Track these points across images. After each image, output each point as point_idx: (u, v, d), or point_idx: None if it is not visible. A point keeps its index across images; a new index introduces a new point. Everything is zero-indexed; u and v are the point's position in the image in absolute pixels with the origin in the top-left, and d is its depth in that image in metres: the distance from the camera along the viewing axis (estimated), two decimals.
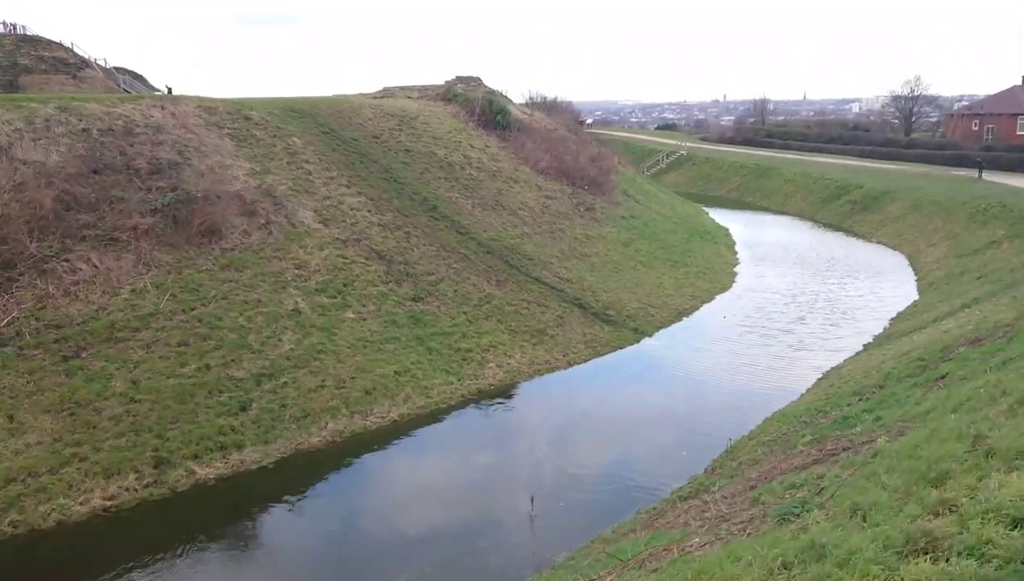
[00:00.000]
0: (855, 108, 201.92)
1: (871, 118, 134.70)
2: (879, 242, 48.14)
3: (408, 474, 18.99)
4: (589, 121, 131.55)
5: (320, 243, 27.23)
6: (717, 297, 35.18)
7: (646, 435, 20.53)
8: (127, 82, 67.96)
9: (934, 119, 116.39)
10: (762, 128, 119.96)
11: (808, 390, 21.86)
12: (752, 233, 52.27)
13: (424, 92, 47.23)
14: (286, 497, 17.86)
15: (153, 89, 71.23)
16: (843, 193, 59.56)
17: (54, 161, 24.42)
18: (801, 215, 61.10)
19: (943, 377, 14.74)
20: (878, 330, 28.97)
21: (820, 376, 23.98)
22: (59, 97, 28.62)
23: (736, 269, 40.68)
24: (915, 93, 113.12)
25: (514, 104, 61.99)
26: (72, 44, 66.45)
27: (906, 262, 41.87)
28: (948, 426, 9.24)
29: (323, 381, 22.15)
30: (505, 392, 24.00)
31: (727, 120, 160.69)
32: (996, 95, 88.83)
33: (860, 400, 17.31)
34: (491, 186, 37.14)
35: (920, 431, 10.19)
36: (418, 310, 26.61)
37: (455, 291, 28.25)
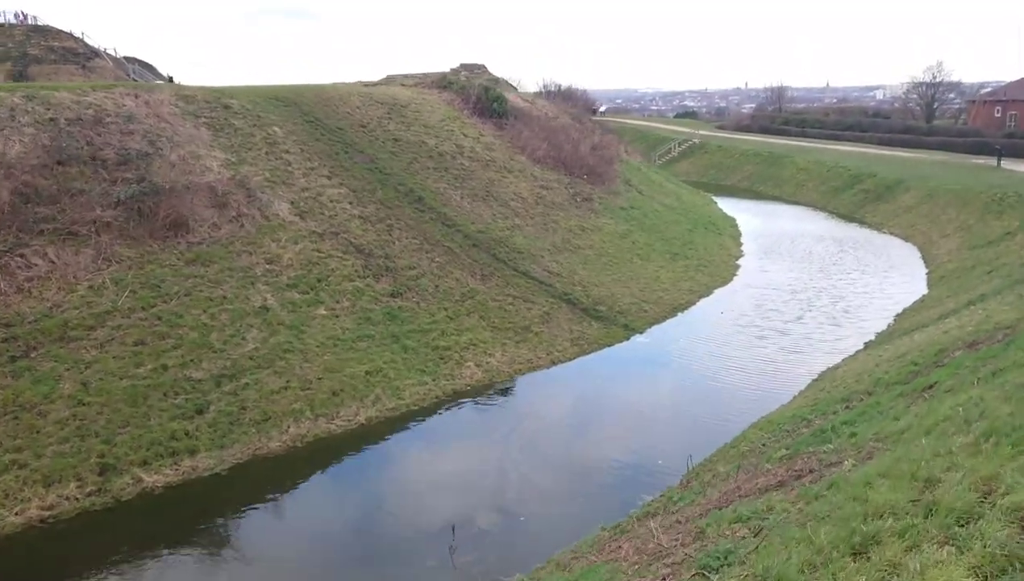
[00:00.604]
0: (879, 95, 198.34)
1: (894, 105, 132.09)
2: (891, 233, 46.48)
3: (360, 487, 17.97)
4: (602, 109, 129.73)
5: (295, 236, 26.21)
6: (716, 291, 33.84)
7: (623, 441, 19.34)
8: (137, 72, 67.58)
9: (957, 106, 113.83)
10: (779, 115, 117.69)
11: (800, 393, 20.57)
12: (760, 224, 50.71)
13: (422, 80, 46.05)
14: (237, 507, 16.90)
15: (163, 79, 70.93)
16: (856, 182, 57.78)
17: (16, 152, 23.53)
18: (813, 205, 59.40)
19: (931, 386, 13.46)
20: (882, 326, 27.56)
21: (815, 377, 22.67)
22: (26, 86, 27.74)
23: (739, 262, 39.27)
24: (937, 80, 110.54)
25: (518, 92, 60.74)
26: (83, 34, 66.44)
27: (918, 254, 40.27)
28: (911, 456, 8.11)
29: (288, 382, 21.15)
30: (482, 393, 22.89)
31: (748, 108, 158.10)
32: (1020, 81, 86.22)
33: (846, 408, 16.07)
34: (483, 176, 35.95)
35: (885, 459, 9.05)
36: (396, 306, 25.53)
37: (437, 286, 27.15)
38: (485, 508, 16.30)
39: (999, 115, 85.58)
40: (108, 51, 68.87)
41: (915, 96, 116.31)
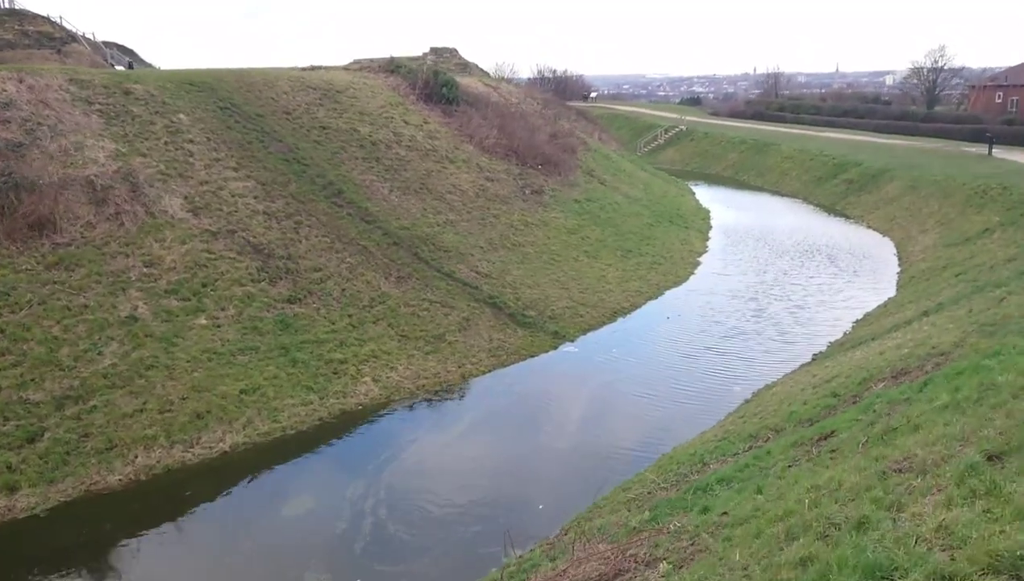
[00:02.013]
0: (889, 80, 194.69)
1: (896, 91, 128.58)
2: (870, 226, 43.74)
3: (195, 534, 15.47)
4: (593, 95, 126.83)
5: (183, 235, 23.68)
6: (668, 292, 31.23)
7: (503, 481, 16.85)
8: (115, 57, 65.19)
9: (960, 92, 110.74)
10: (773, 101, 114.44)
11: (719, 422, 18.00)
12: (734, 216, 47.94)
13: (370, 64, 43.32)
14: (42, 558, 14.47)
15: (145, 64, 69.03)
16: (840, 171, 54.93)
17: None
18: (795, 195, 56.61)
19: (828, 436, 10.95)
20: (838, 335, 24.97)
21: (748, 398, 20.13)
22: None
23: (700, 258, 36.60)
24: (939, 64, 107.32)
25: (486, 77, 58.05)
26: (60, 18, 64.32)
27: (894, 251, 37.52)
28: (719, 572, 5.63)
29: (144, 403, 18.68)
30: (374, 413, 20.41)
31: (755, 93, 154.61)
32: (1021, 65, 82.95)
33: (748, 449, 13.59)
34: (419, 167, 33.33)
35: (697, 570, 6.60)
36: (291, 313, 23.02)
37: (343, 290, 24.63)
38: (322, 564, 13.83)
39: (1000, 100, 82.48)
40: (86, 36, 66.75)
41: (915, 81, 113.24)
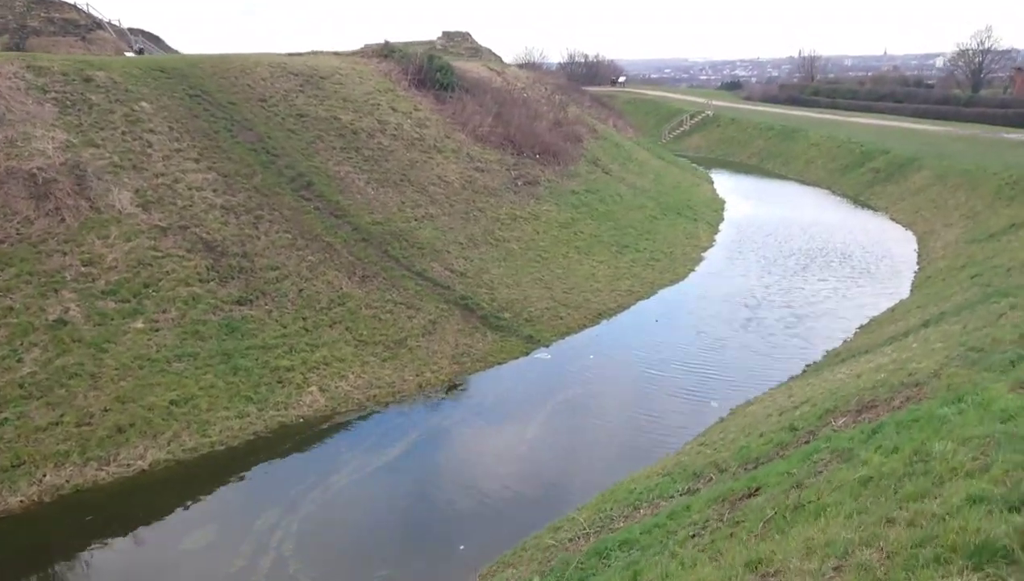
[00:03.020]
0: (939, 63, 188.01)
1: (942, 74, 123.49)
2: (894, 219, 41.04)
3: (79, 571, 14.04)
4: (622, 79, 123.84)
5: (130, 232, 22.30)
6: (661, 292, 29.20)
7: (436, 515, 15.15)
8: (141, 44, 64.80)
9: (1008, 75, 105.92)
10: (808, 85, 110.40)
11: (679, 449, 16.09)
12: (750, 208, 45.50)
13: (365, 50, 41.67)
14: None
15: (170, 51, 68.97)
16: (867, 160, 51.99)
17: None
18: (819, 184, 53.85)
19: (752, 494, 9.12)
20: (835, 345, 22.82)
21: (723, 417, 18.18)
22: None
23: (705, 254, 34.42)
24: (985, 46, 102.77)
25: (498, 61, 56.13)
26: (88, 5, 64.42)
27: (915, 247, 34.92)
28: None
29: (62, 415, 17.34)
30: (314, 427, 18.86)
31: (797, 77, 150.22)
32: None
33: (684, 493, 11.81)
34: (403, 157, 31.64)
35: None
36: (239, 316, 21.55)
37: (299, 291, 23.09)
38: None
39: None
40: (112, 22, 66.60)
41: (960, 64, 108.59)
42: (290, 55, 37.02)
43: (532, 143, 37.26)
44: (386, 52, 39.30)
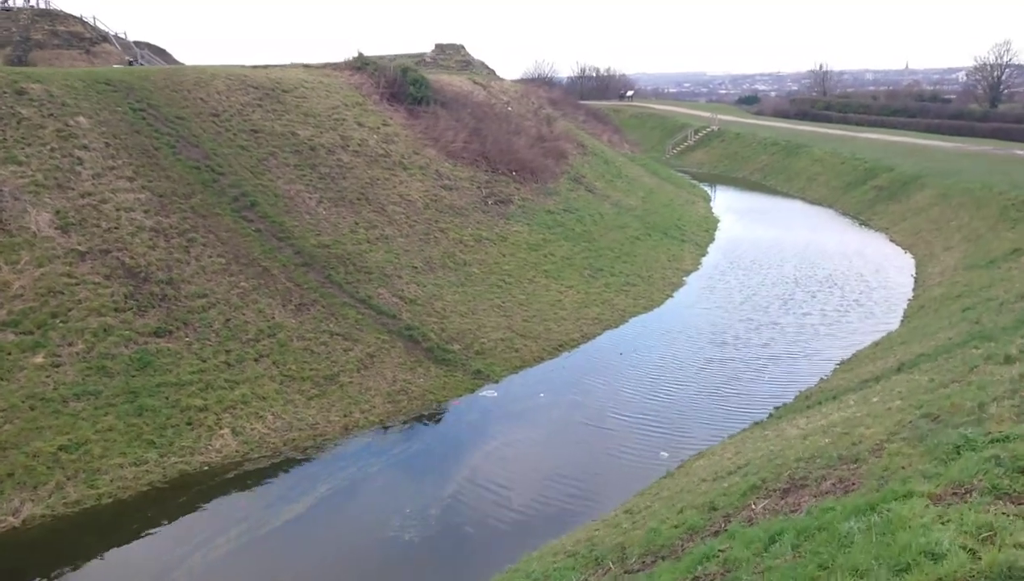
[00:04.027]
0: (961, 77, 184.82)
1: (960, 88, 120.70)
2: (894, 240, 38.80)
3: None
4: (630, 93, 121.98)
5: (43, 257, 20.65)
6: (633, 320, 27.23)
7: None
8: (146, 56, 64.15)
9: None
10: (820, 100, 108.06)
11: (603, 517, 14.11)
12: (744, 228, 43.39)
13: (338, 64, 40.09)
14: None
15: (175, 64, 68.49)
16: (870, 177, 49.77)
17: None
18: (821, 202, 51.65)
19: None
20: (811, 382, 20.75)
21: (671, 470, 16.19)
22: None
23: (686, 279, 32.38)
24: (1003, 60, 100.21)
25: (483, 75, 54.52)
26: (94, 18, 64.16)
27: (913, 271, 32.69)
28: None
29: None
30: (218, 476, 17.03)
31: (815, 92, 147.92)
32: None
33: None
34: (363, 175, 29.92)
35: None
36: (155, 349, 19.80)
37: (227, 321, 21.33)
38: None
39: None
40: (118, 35, 66.18)
41: (979, 78, 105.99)
42: (254, 68, 35.49)
43: (508, 159, 35.47)
44: (359, 64, 37.71)
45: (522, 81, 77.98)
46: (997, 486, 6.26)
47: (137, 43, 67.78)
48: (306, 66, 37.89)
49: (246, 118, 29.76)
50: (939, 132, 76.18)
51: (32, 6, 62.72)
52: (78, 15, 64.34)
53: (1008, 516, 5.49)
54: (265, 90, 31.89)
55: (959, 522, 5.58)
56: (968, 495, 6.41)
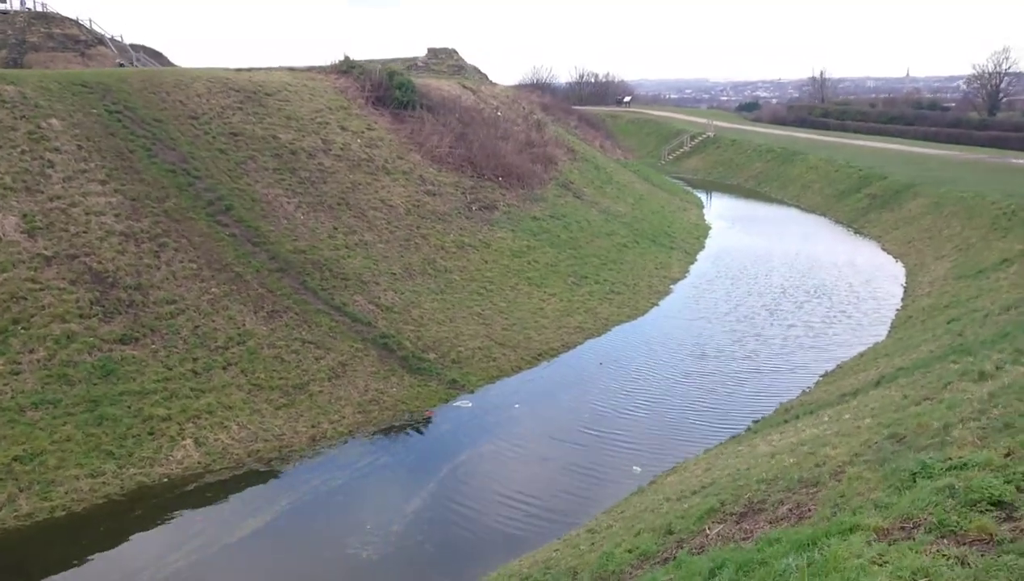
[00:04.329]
0: (963, 85, 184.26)
1: (959, 96, 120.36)
2: (886, 249, 38.35)
3: None
4: (627, 99, 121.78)
5: (7, 261, 20.18)
6: (615, 329, 26.77)
7: None
8: (142, 60, 63.95)
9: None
10: (817, 107, 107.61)
11: (562, 538, 13.63)
12: (735, 235, 42.96)
13: (323, 68, 39.68)
14: None
15: (171, 67, 68.47)
16: (864, 185, 49.33)
17: None
18: (815, 209, 51.22)
19: None
20: (793, 394, 20.26)
21: (642, 486, 15.70)
22: None
23: (673, 287, 31.92)
24: (1002, 68, 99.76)
25: (474, 79, 54.12)
26: (90, 21, 64.06)
27: (903, 281, 32.21)
28: None
29: None
30: (176, 489, 16.54)
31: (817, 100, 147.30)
32: None
33: None
34: (344, 179, 29.48)
35: None
36: (119, 357, 19.32)
37: (195, 328, 20.85)
38: None
39: None
40: (114, 38, 66.03)
41: (977, 86, 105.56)
42: (238, 70, 35.07)
43: (495, 165, 35.04)
44: (345, 68, 37.30)
45: (519, 86, 77.63)
46: (944, 522, 5.80)
47: (133, 46, 67.55)
48: (291, 69, 37.48)
49: (226, 121, 29.32)
50: (937, 140, 75.81)
51: (28, 9, 62.64)
52: (74, 18, 64.24)
53: (947, 559, 5.02)
54: (247, 93, 31.46)
55: (895, 565, 5.11)
56: (914, 530, 5.95)
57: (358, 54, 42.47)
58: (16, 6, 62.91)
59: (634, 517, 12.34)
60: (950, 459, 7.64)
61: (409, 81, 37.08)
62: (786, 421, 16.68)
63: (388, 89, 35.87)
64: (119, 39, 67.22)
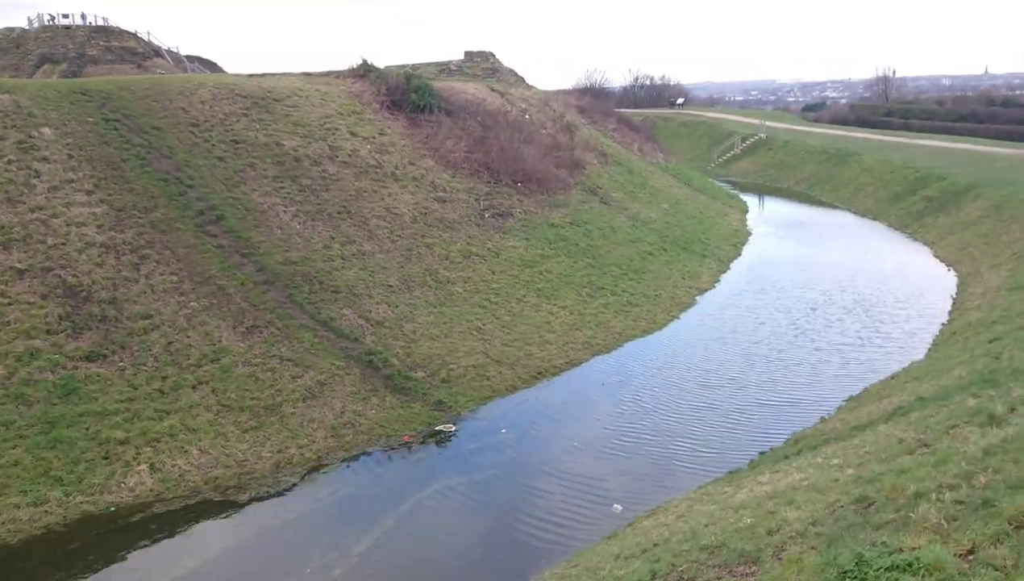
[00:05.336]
0: None
1: None
2: (938, 256, 35.47)
3: None
4: (680, 101, 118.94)
5: None
6: (627, 345, 24.98)
7: None
8: (196, 69, 65.02)
9: None
10: (880, 106, 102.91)
11: None
12: (776, 242, 40.52)
13: (342, 73, 38.74)
14: None
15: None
16: (920, 187, 46.17)
17: None
18: (867, 213, 48.22)
19: None
20: (806, 423, 18.18)
21: (619, 529, 13.97)
22: None
23: (698, 298, 29.86)
24: None
25: (523, 82, 52.80)
26: (148, 34, 65.68)
27: (954, 292, 29.48)
28: None
29: None
30: (120, 520, 15.46)
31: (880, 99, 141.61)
32: None
33: None
34: (349, 187, 28.35)
35: None
36: (83, 375, 18.43)
37: (169, 344, 19.86)
38: None
39: None
40: (171, 49, 67.43)
41: None
42: (249, 76, 34.36)
43: (514, 169, 33.52)
44: (363, 72, 36.29)
45: (562, 91, 75.80)
46: None
47: (188, 57, 68.64)
48: (307, 74, 36.63)
49: (228, 128, 28.49)
50: (1011, 139, 71.18)
51: (89, 24, 64.05)
52: (133, 31, 65.47)
53: None
54: (254, 99, 30.63)
55: None
56: None
57: (395, 60, 41.57)
58: (78, 20, 64.48)
59: (579, 577, 10.65)
60: (900, 551, 5.82)
61: (426, 84, 35.86)
62: (787, 457, 14.73)
63: (405, 93, 34.69)
64: (175, 50, 68.35)
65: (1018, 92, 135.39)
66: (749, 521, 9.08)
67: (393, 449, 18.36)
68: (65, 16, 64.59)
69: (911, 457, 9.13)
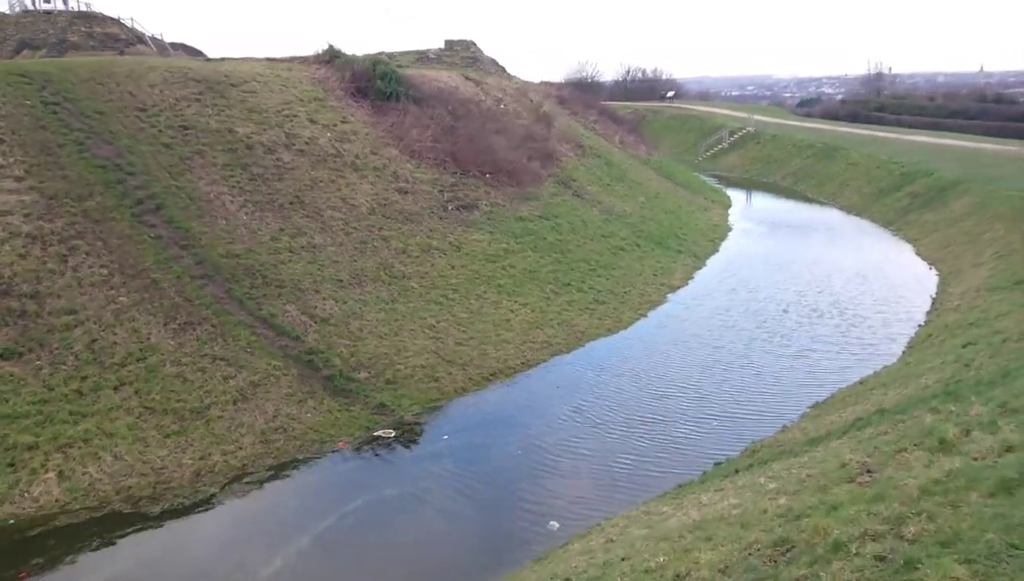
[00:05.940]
0: None
1: None
2: (920, 254, 34.37)
3: None
4: (670, 94, 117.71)
5: None
6: (590, 344, 23.83)
7: None
8: (180, 56, 63.49)
9: None
10: (871, 101, 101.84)
11: None
12: (756, 238, 39.41)
13: (305, 59, 37.39)
14: None
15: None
16: (906, 182, 45.08)
17: None
18: (851, 209, 47.16)
19: None
20: (764, 432, 17.05)
21: (552, 548, 12.82)
22: None
23: (669, 296, 28.70)
24: None
25: (504, 72, 51.50)
26: (131, 19, 64.05)
27: (933, 292, 28.38)
28: None
29: None
30: (17, 535, 14.23)
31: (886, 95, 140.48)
32: None
33: None
34: (304, 176, 27.08)
35: None
36: None
37: (92, 341, 18.61)
38: None
39: None
40: (155, 36, 65.88)
41: None
42: (207, 60, 32.99)
43: (483, 160, 32.28)
44: (328, 57, 34.95)
45: (547, 83, 74.45)
46: None
47: (172, 44, 67.19)
48: (270, 59, 35.25)
49: (178, 113, 27.17)
50: (1002, 135, 70.15)
51: (71, 9, 62.51)
52: (116, 17, 63.92)
53: None
54: (209, 84, 29.29)
55: None
56: None
57: (378, 48, 40.10)
58: (60, 6, 62.93)
59: None
60: None
61: (393, 71, 34.54)
62: (737, 471, 13.58)
63: (371, 79, 33.38)
64: (159, 37, 66.78)
65: (1011, 89, 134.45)
66: (662, 560, 7.95)
67: (325, 456, 17.17)
68: (47, 1, 63.10)
69: (848, 488, 7.96)
